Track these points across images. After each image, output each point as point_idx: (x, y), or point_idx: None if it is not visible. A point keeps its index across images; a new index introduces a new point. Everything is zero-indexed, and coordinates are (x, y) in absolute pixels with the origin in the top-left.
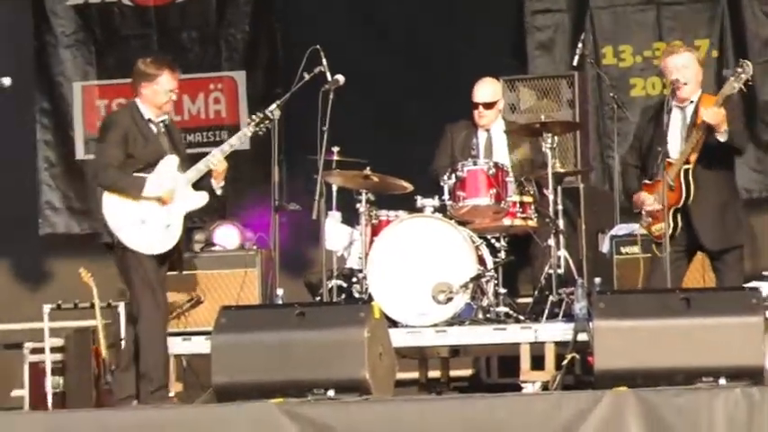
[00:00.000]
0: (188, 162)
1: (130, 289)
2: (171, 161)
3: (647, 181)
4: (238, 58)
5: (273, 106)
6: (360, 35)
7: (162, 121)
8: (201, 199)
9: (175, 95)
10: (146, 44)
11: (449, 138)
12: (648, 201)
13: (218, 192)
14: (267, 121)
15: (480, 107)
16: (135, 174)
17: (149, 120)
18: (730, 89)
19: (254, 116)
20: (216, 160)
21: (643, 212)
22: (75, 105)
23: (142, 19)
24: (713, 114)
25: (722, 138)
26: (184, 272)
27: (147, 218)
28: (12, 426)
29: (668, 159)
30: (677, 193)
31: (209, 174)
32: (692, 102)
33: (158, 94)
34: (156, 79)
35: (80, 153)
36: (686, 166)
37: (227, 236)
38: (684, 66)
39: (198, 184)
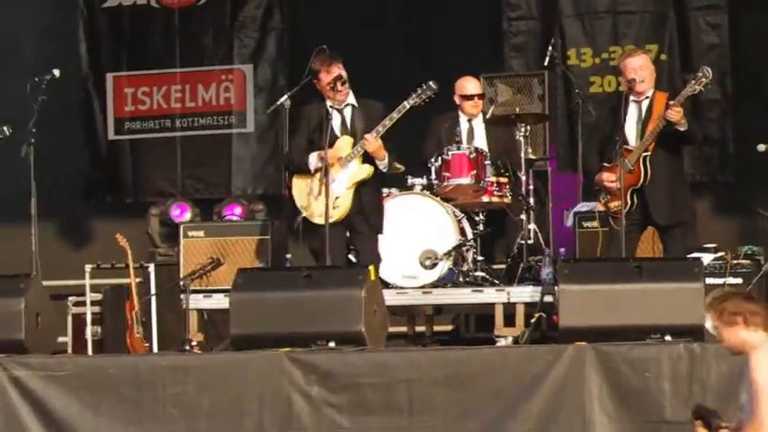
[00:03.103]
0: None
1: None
2: (342, 142)
3: (605, 164)
4: (247, 53)
5: (285, 97)
6: (354, 36)
7: (349, 105)
8: (364, 171)
9: (340, 86)
10: (169, 41)
11: (435, 127)
12: (611, 181)
13: (382, 168)
14: (429, 92)
15: (475, 98)
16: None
17: (331, 107)
18: (691, 90)
19: (419, 89)
20: (367, 141)
21: (603, 191)
22: (108, 93)
23: (167, 19)
24: (675, 114)
25: (683, 128)
26: (210, 237)
27: (317, 193)
28: (59, 367)
29: (627, 147)
30: (636, 176)
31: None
32: (647, 98)
33: (323, 88)
34: (318, 75)
35: (111, 134)
36: (645, 153)
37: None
38: (641, 67)
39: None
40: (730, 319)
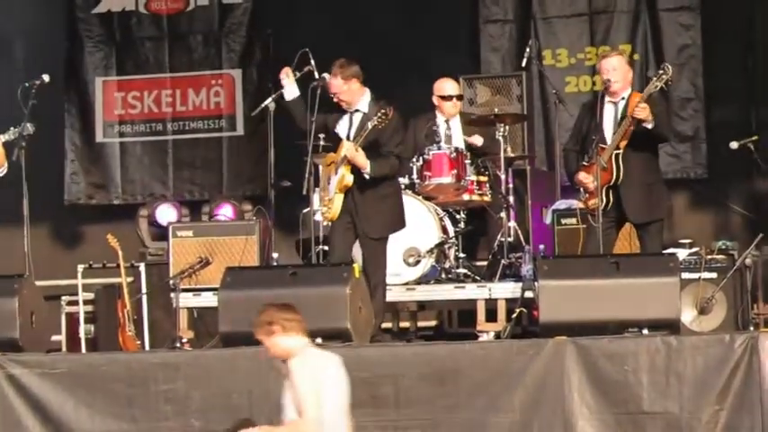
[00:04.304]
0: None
1: None
2: (343, 147)
3: (584, 163)
4: (236, 58)
5: (269, 100)
6: (337, 40)
7: (359, 112)
8: (344, 178)
9: (341, 97)
10: (159, 46)
11: (412, 129)
12: (587, 180)
13: (365, 175)
14: (384, 117)
15: (454, 99)
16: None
17: (343, 111)
18: (653, 87)
19: (380, 112)
20: (347, 150)
21: (582, 190)
22: (97, 97)
23: (156, 25)
24: (641, 110)
25: (650, 125)
26: (198, 237)
27: (324, 195)
28: (54, 365)
29: (602, 145)
30: (609, 173)
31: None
32: (622, 98)
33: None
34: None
35: (99, 136)
36: (617, 151)
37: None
38: (614, 68)
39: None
40: (268, 329)
